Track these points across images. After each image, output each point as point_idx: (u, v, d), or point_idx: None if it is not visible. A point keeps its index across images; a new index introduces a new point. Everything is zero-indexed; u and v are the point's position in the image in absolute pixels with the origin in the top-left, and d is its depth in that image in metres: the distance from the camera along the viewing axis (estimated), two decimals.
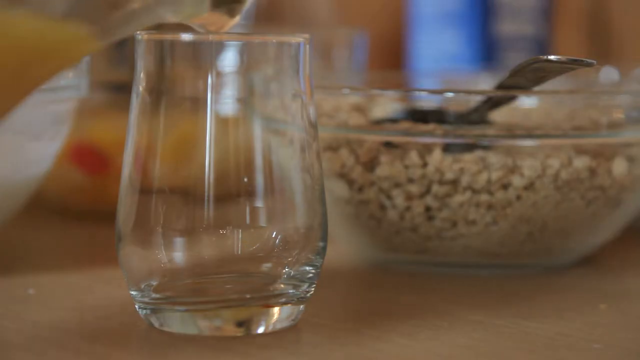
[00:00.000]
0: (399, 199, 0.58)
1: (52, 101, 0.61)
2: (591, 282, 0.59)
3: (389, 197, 0.58)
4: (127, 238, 0.48)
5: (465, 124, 0.57)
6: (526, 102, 0.60)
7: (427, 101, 0.60)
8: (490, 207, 0.57)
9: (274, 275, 0.47)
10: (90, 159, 0.74)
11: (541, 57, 0.54)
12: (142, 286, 0.48)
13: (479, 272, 0.60)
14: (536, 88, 0.58)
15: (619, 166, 0.58)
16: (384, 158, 0.57)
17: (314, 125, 0.49)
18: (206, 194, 0.46)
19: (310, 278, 0.49)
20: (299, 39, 0.48)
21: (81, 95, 0.63)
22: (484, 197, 0.57)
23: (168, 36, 0.47)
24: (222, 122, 0.47)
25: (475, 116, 0.58)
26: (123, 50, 0.76)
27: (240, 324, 0.47)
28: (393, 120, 0.58)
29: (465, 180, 0.57)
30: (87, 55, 0.43)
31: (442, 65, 0.90)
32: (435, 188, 0.57)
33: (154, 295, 0.48)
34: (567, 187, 0.57)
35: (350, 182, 0.58)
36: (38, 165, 0.62)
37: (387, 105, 0.60)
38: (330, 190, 0.59)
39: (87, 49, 0.42)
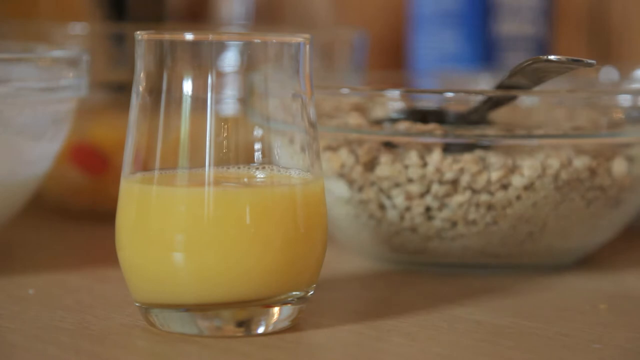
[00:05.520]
0: (399, 199, 0.58)
1: (52, 101, 0.61)
2: (591, 282, 0.59)
3: (389, 197, 0.58)
4: (127, 238, 0.48)
5: (465, 124, 0.57)
6: (526, 102, 0.60)
7: (427, 101, 0.60)
8: (490, 207, 0.57)
9: (274, 275, 0.47)
10: (90, 159, 0.74)
11: (541, 57, 0.54)
12: (142, 286, 0.48)
13: (479, 272, 0.60)
14: (536, 88, 0.58)
15: (619, 166, 0.58)
16: (384, 158, 0.57)
17: (314, 125, 0.49)
18: (206, 194, 0.46)
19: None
20: (299, 39, 0.48)
21: (81, 95, 0.63)
22: (484, 197, 0.57)
23: (168, 36, 0.47)
24: (222, 122, 0.47)
25: (475, 116, 0.58)
26: (123, 50, 0.76)
27: (240, 324, 0.47)
28: (393, 120, 0.58)
29: (465, 180, 0.57)
30: None
31: (442, 65, 0.90)
32: (435, 188, 0.57)
33: (154, 295, 0.48)
34: (567, 187, 0.57)
35: (350, 182, 0.58)
36: (38, 165, 0.62)
37: (387, 105, 0.60)
38: (330, 190, 0.59)
39: None
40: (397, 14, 1.03)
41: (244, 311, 0.47)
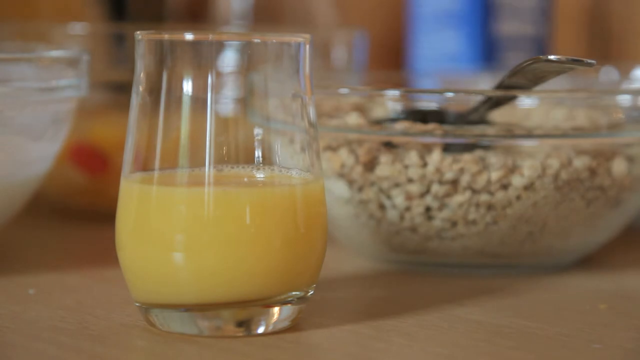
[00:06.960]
0: (399, 199, 0.58)
1: (52, 101, 0.61)
2: (591, 282, 0.59)
3: (389, 197, 0.58)
4: (127, 238, 0.48)
5: (465, 124, 0.57)
6: (526, 102, 0.60)
7: (427, 101, 0.60)
8: (490, 207, 0.57)
9: (274, 275, 0.47)
10: (90, 159, 0.74)
11: (541, 57, 0.54)
12: (142, 286, 0.48)
13: (479, 272, 0.60)
14: (536, 88, 0.58)
15: (619, 166, 0.58)
16: (383, 158, 0.57)
17: (314, 125, 0.49)
18: (206, 194, 0.46)
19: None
20: (299, 39, 0.48)
21: (81, 95, 0.63)
22: (484, 197, 0.57)
23: (168, 36, 0.47)
24: (222, 122, 0.47)
25: (475, 116, 0.58)
26: (123, 50, 0.77)
27: (240, 324, 0.47)
28: (393, 120, 0.58)
29: (465, 180, 0.57)
30: None
31: (442, 65, 0.90)
32: (435, 188, 0.57)
33: (154, 295, 0.48)
34: (567, 187, 0.57)
35: (350, 182, 0.58)
36: (38, 165, 0.62)
37: (387, 105, 0.60)
38: (330, 190, 0.59)
39: None
40: (397, 14, 1.03)
41: (244, 311, 0.47)
